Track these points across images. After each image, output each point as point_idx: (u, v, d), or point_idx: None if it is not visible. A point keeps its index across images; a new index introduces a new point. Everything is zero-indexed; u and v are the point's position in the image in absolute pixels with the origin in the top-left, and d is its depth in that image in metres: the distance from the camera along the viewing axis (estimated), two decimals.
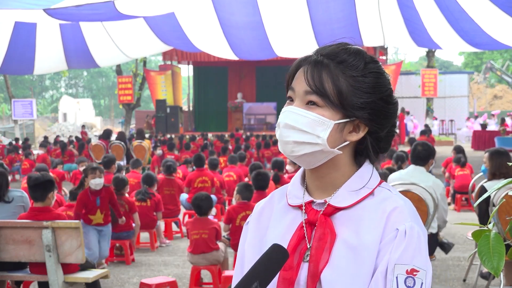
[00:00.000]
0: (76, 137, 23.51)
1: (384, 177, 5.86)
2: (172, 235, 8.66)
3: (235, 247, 5.87)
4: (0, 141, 26.30)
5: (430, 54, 23.45)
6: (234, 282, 1.45)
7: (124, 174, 9.55)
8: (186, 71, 33.03)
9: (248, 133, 22.34)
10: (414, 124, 26.17)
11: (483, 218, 5.09)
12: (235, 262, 1.54)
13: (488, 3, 10.41)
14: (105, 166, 8.55)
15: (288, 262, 1.32)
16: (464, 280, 6.00)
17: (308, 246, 1.34)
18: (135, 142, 15.63)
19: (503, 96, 44.36)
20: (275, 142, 17.05)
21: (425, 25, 12.06)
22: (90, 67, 21.21)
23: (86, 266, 5.12)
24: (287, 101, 1.38)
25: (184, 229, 8.39)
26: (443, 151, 18.42)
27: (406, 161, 8.47)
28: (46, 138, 23.13)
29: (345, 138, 1.34)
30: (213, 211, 8.74)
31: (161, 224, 8.42)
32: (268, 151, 16.53)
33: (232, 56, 14.54)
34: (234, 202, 6.47)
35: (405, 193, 4.80)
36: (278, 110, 24.06)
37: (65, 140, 23.61)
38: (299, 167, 1.43)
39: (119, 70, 25.19)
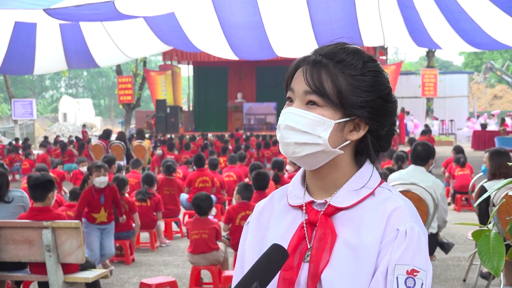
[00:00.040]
0: (76, 137, 23.51)
1: (384, 177, 5.86)
2: (172, 235, 8.66)
3: (235, 247, 5.87)
4: (0, 141, 26.30)
5: (430, 54, 23.46)
6: (234, 282, 1.45)
7: (124, 174, 9.55)
8: (186, 71, 33.05)
9: (248, 133, 22.34)
10: (414, 123, 26.18)
11: (483, 218, 5.09)
12: (235, 262, 1.55)
13: (488, 3, 10.41)
14: None
15: (289, 262, 1.32)
16: (464, 280, 6.00)
17: (309, 246, 1.34)
18: (135, 142, 15.64)
19: (503, 96, 44.37)
20: (275, 142, 17.05)
21: (425, 25, 12.06)
22: (90, 67, 21.21)
23: (86, 266, 5.12)
24: (287, 102, 1.38)
25: (184, 229, 8.39)
26: (443, 151, 18.42)
27: (406, 161, 8.47)
28: (46, 138, 23.13)
29: (346, 137, 1.34)
30: (213, 211, 8.74)
31: (161, 224, 8.42)
32: (268, 151, 16.52)
33: (232, 56, 14.54)
34: (234, 202, 6.47)
35: (405, 193, 4.80)
36: (278, 110, 24.13)
37: (65, 140, 23.61)
38: (299, 167, 1.42)
39: (119, 70, 25.19)
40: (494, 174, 5.30)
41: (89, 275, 4.99)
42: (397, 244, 1.27)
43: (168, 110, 23.94)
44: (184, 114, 28.30)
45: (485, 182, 5.32)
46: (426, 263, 1.27)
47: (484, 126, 24.33)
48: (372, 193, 1.35)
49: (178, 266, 6.97)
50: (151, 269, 6.89)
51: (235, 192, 6.11)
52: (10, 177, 5.48)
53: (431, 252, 5.60)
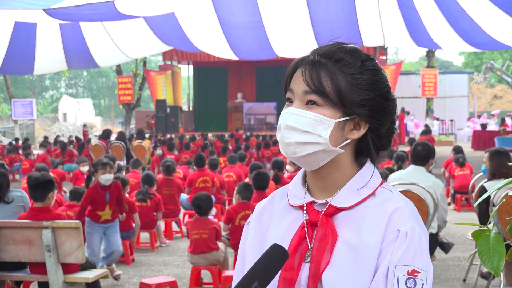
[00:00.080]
0: (76, 137, 23.50)
1: (384, 177, 5.86)
2: (172, 235, 8.66)
3: (235, 247, 5.87)
4: (0, 141, 26.30)
5: (430, 54, 23.46)
6: (235, 281, 1.45)
7: (124, 174, 9.55)
8: (186, 71, 33.05)
9: (248, 133, 22.34)
10: (415, 123, 26.18)
11: (483, 218, 5.09)
12: (235, 262, 1.55)
13: (488, 3, 10.41)
14: None
15: (289, 262, 1.32)
16: (464, 280, 6.00)
17: (309, 247, 1.34)
18: (135, 142, 15.64)
19: (503, 96, 44.36)
20: (275, 142, 17.05)
21: (425, 25, 12.06)
22: (90, 67, 21.20)
23: (86, 266, 5.12)
24: (286, 103, 1.38)
25: (184, 229, 8.39)
26: (443, 151, 18.42)
27: (406, 161, 8.47)
28: (46, 138, 23.13)
29: (346, 136, 1.34)
30: (213, 211, 8.74)
31: (161, 224, 8.41)
32: (268, 151, 16.52)
33: (232, 56, 14.53)
34: (234, 202, 6.47)
35: (405, 193, 4.80)
36: (278, 110, 24.14)
37: (65, 140, 23.61)
38: (300, 167, 1.42)
39: (119, 70, 25.20)
40: (494, 174, 5.30)
41: (89, 275, 4.98)
42: (398, 244, 1.27)
43: (168, 110, 23.94)
44: (184, 114, 28.30)
45: (485, 182, 5.32)
46: (426, 264, 1.27)
47: (484, 126, 24.34)
48: (373, 194, 1.35)
49: (178, 266, 6.97)
50: (151, 269, 6.89)
51: (235, 192, 6.11)
52: (10, 177, 5.46)
53: (431, 252, 5.60)
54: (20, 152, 18.63)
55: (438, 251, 6.16)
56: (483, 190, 5.21)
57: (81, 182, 11.16)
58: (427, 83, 22.71)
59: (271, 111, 25.34)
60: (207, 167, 9.80)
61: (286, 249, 1.27)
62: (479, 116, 31.44)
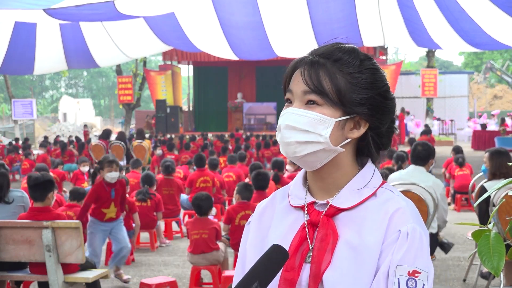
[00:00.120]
0: (76, 137, 23.51)
1: (384, 177, 5.86)
2: (172, 235, 8.66)
3: (235, 246, 5.87)
4: (0, 141, 26.30)
5: (430, 54, 23.46)
6: (235, 282, 1.45)
7: (124, 174, 9.55)
8: (186, 71, 33.05)
9: (248, 133, 22.34)
10: (416, 122, 26.18)
11: (483, 218, 5.09)
12: (235, 262, 1.55)
13: (488, 3, 10.40)
14: None
15: (290, 263, 1.32)
16: (464, 280, 6.00)
17: (310, 247, 1.34)
18: (135, 142, 15.64)
19: (503, 96, 44.37)
20: (275, 142, 17.04)
21: (425, 25, 12.06)
22: (90, 67, 21.20)
23: (86, 266, 5.12)
24: (286, 103, 1.38)
25: (184, 229, 8.39)
26: (443, 151, 18.42)
27: (406, 161, 8.47)
28: (46, 138, 23.14)
29: (347, 135, 1.34)
30: (213, 211, 8.74)
31: (161, 224, 8.41)
32: (268, 151, 16.52)
33: (232, 56, 14.53)
34: (234, 202, 6.47)
35: (405, 193, 4.80)
36: (278, 110, 24.13)
37: (65, 140, 23.61)
38: (300, 166, 1.43)
39: (119, 70, 25.20)
40: (494, 174, 5.30)
41: (89, 275, 4.98)
42: (398, 245, 1.27)
43: (168, 110, 23.94)
44: (184, 114, 28.30)
45: (485, 182, 5.32)
46: (427, 264, 1.27)
47: (484, 126, 24.34)
48: (374, 194, 1.35)
49: (178, 266, 6.97)
50: (151, 269, 6.89)
51: (235, 192, 6.11)
52: (10, 177, 5.46)
53: (431, 252, 5.61)
54: (20, 152, 18.64)
55: (438, 251, 6.16)
56: (483, 190, 5.21)
57: (81, 182, 11.17)
58: (427, 83, 22.71)
59: (271, 111, 25.34)
60: (207, 167, 9.81)
61: (287, 249, 1.27)
62: (480, 116, 31.44)
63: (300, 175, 1.45)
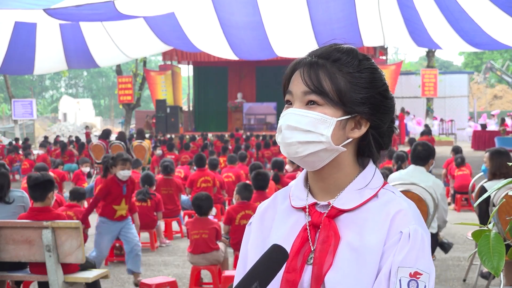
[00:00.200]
0: (76, 137, 23.52)
1: (384, 177, 5.85)
2: (172, 235, 8.66)
3: (235, 246, 5.87)
4: (0, 141, 26.30)
5: (430, 54, 23.45)
6: (236, 282, 1.45)
7: None
8: (186, 71, 33.05)
9: (248, 133, 22.34)
10: (416, 121, 26.16)
11: (483, 218, 5.09)
12: (235, 262, 1.55)
13: (488, 3, 10.41)
14: None
15: (292, 264, 1.32)
16: (464, 280, 6.00)
17: (312, 249, 1.34)
18: (135, 142, 15.65)
19: (503, 96, 44.36)
20: (275, 142, 16.98)
21: (425, 25, 12.06)
22: (90, 67, 21.21)
23: (86, 266, 5.12)
24: (286, 105, 1.38)
25: (184, 229, 8.39)
26: (443, 151, 18.42)
27: (406, 161, 8.47)
28: (46, 138, 23.14)
29: (348, 135, 1.35)
30: (213, 211, 8.74)
31: (161, 224, 8.41)
32: (268, 151, 16.52)
33: (232, 56, 14.53)
34: (234, 202, 6.47)
35: (405, 193, 4.80)
36: (278, 110, 24.13)
37: (65, 140, 23.61)
38: (299, 166, 1.43)
39: (119, 70, 25.19)
40: (494, 174, 5.30)
41: (89, 275, 4.98)
42: (400, 246, 1.27)
43: (168, 110, 23.93)
44: (184, 114, 28.29)
45: (485, 182, 5.32)
46: (429, 266, 1.27)
47: (484, 126, 24.33)
48: (375, 195, 1.35)
49: (178, 266, 6.97)
50: (151, 269, 6.89)
51: (234, 192, 6.11)
52: (10, 177, 5.46)
53: (431, 252, 5.60)
54: (20, 152, 18.63)
55: (438, 251, 6.16)
56: (483, 190, 5.21)
57: (82, 182, 11.17)
58: (427, 83, 22.70)
59: (271, 111, 25.33)
60: (207, 167, 9.81)
61: (289, 251, 1.27)
62: (478, 120, 31.45)
63: (301, 176, 1.45)
